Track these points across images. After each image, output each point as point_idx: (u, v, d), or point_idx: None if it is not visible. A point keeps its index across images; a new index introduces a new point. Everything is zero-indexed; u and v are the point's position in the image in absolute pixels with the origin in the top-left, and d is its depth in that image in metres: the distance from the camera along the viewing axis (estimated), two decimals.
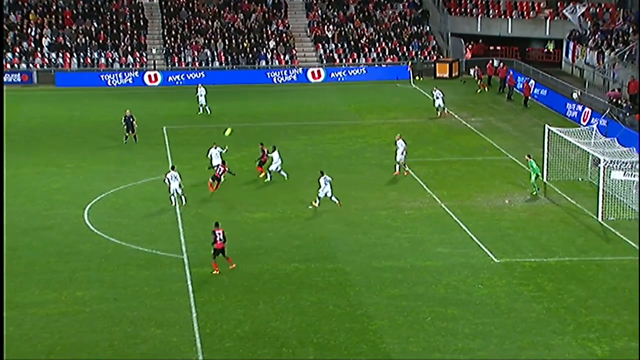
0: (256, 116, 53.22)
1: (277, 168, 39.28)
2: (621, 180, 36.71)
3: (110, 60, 64.29)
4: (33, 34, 65.12)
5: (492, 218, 35.10)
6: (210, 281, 28.97)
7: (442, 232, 33.46)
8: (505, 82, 58.48)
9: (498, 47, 70.08)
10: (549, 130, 39.76)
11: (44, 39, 64.79)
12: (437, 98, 51.42)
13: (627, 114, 47.35)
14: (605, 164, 35.54)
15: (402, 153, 39.83)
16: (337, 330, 25.47)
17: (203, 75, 62.33)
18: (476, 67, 61.23)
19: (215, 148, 39.58)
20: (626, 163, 36.87)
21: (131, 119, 45.52)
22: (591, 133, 39.75)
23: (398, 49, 66.89)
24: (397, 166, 40.01)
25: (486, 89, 59.27)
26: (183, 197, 35.84)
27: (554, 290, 28.31)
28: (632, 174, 36.74)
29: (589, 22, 63.16)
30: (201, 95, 52.76)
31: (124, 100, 57.17)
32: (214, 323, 25.92)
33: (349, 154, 44.24)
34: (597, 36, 60.59)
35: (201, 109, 52.82)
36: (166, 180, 35.80)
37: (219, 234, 29.07)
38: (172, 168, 36.54)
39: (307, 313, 26.58)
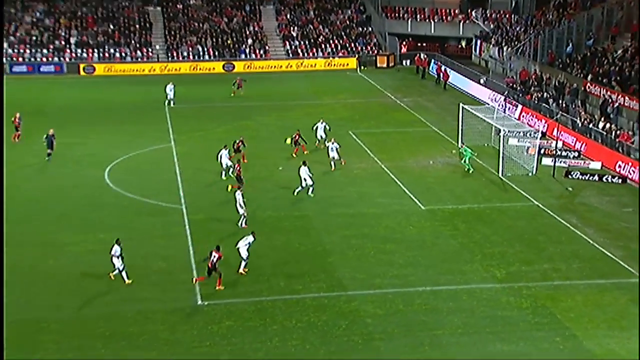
0: (238, 98, 52.37)
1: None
2: (516, 146, 37.01)
3: (123, 54, 62.91)
4: (63, 34, 63.47)
5: (420, 175, 35.13)
6: (203, 226, 28.68)
7: (382, 187, 33.44)
8: (425, 71, 58.84)
9: (424, 44, 69.73)
10: (462, 107, 39.74)
11: (71, 38, 63.23)
12: (319, 129, 39.39)
13: (520, 95, 47.52)
14: (504, 133, 35.70)
15: (336, 152, 35.13)
16: (301, 263, 25.45)
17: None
18: (237, 79, 52.09)
19: (225, 149, 34.03)
20: (519, 132, 37.14)
21: (53, 138, 36.74)
22: (494, 110, 39.87)
23: (347, 45, 66.29)
24: (333, 162, 35.28)
25: (239, 93, 51.32)
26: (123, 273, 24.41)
27: (466, 229, 28.50)
28: (524, 141, 37.06)
29: (492, 24, 63.08)
30: (170, 91, 48.44)
31: (134, 86, 56.23)
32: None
33: (309, 126, 43.81)
34: (497, 35, 60.57)
35: (167, 101, 48.34)
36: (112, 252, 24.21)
37: (215, 256, 23.26)
38: (117, 241, 24.24)
39: (278, 250, 26.51)
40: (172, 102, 48.62)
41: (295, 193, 31.79)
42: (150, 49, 63.82)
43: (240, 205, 28.31)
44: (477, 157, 37.28)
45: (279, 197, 31.88)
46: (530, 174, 35.03)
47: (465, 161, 35.41)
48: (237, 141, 36.28)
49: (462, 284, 23.96)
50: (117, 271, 23.86)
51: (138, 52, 63.25)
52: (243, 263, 24.48)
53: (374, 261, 25.62)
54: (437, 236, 27.91)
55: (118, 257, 23.84)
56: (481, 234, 28.06)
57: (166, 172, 35.25)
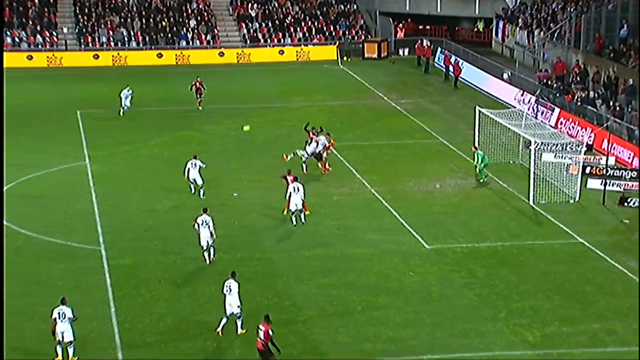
0: (178, 100, 52.52)
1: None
2: (552, 163, 37.49)
3: (17, 39, 62.85)
4: None
5: (423, 203, 35.44)
6: (130, 274, 28.66)
7: (372, 218, 33.66)
8: (429, 63, 59.88)
9: (428, 27, 70.55)
10: (479, 111, 40.21)
11: None
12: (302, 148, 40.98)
13: (557, 94, 48.22)
14: (536, 146, 36.15)
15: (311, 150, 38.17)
16: None
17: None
18: (196, 80, 49.91)
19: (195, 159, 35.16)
20: (557, 145, 37.65)
21: None
22: (522, 114, 40.40)
23: (325, 28, 66.91)
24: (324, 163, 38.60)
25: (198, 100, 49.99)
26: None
27: (485, 276, 28.74)
28: (562, 156, 37.58)
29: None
30: (126, 98, 47.94)
31: (34, 83, 56.16)
32: (134, 317, 25.69)
33: (275, 138, 44.14)
34: (526, 15, 61.50)
35: (122, 111, 47.96)
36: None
37: (262, 331, 22.82)
38: (62, 301, 24.13)
39: None
40: (122, 111, 47.89)
41: (303, 220, 32.55)
42: (54, 33, 63.92)
43: (211, 232, 29.02)
44: (500, 180, 37.73)
45: (232, 234, 31.95)
46: (571, 201, 35.53)
47: (478, 168, 36.26)
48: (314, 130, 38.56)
49: (482, 350, 24.08)
50: (71, 346, 23.21)
51: (38, 36, 63.32)
52: (238, 322, 24.56)
53: (362, 319, 25.73)
54: (447, 285, 28.12)
55: (64, 321, 23.05)
56: (506, 283, 28.30)
57: (79, 201, 35.17)
